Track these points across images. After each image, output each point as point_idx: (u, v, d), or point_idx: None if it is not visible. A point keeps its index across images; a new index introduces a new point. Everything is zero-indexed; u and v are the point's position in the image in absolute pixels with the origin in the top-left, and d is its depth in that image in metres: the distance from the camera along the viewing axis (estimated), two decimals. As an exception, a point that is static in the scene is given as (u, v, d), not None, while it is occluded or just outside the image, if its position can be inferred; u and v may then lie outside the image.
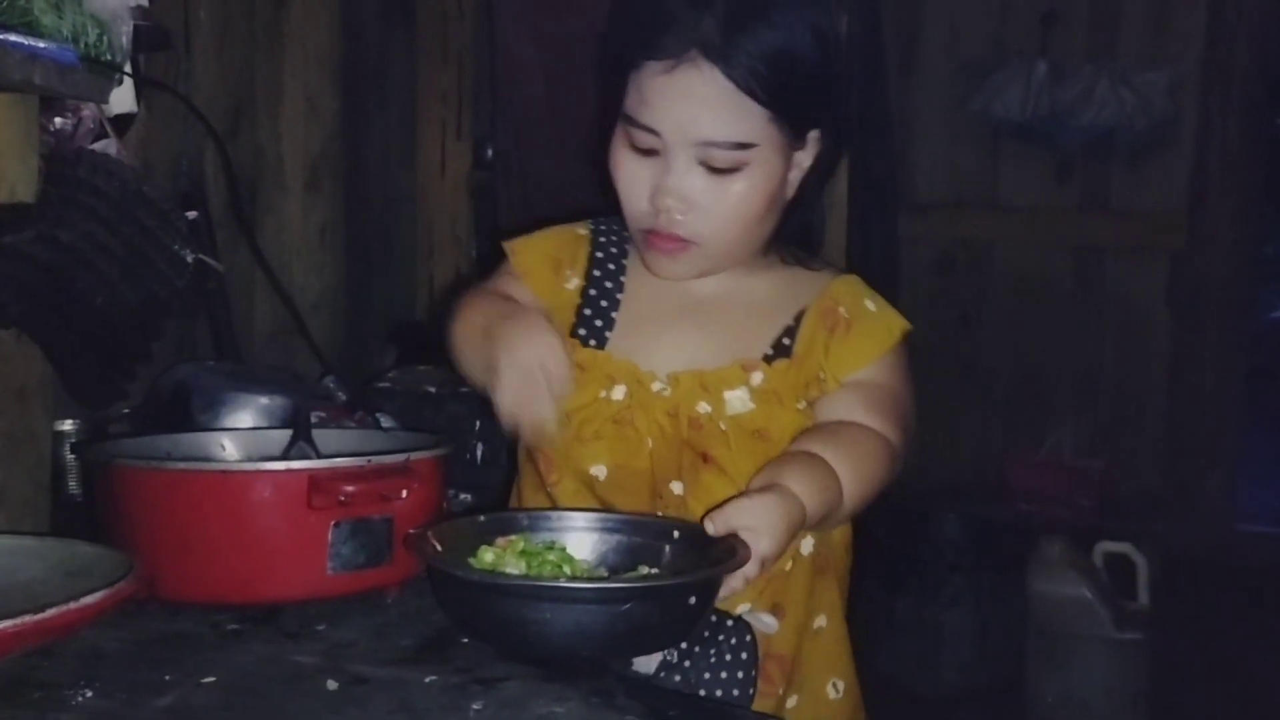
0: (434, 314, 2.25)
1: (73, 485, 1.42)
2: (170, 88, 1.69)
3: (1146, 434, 3.67)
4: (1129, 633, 2.48)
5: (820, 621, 1.19)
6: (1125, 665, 2.48)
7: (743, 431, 1.13)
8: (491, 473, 1.68)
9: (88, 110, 1.44)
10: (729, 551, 0.96)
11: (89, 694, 0.86)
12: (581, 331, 1.19)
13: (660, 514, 1.13)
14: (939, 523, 2.90)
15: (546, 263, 1.22)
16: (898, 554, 2.84)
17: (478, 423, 1.71)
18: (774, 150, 1.10)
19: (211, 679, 0.90)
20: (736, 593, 0.97)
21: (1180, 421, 3.64)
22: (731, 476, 1.11)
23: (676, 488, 1.14)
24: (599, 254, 1.23)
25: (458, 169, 2.56)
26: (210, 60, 1.86)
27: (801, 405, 1.15)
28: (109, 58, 1.37)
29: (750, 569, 0.95)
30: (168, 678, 0.90)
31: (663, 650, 1.03)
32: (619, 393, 1.15)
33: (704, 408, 1.13)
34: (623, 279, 1.22)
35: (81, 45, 1.31)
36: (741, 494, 1.02)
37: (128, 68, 1.45)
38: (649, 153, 1.10)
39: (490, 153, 2.54)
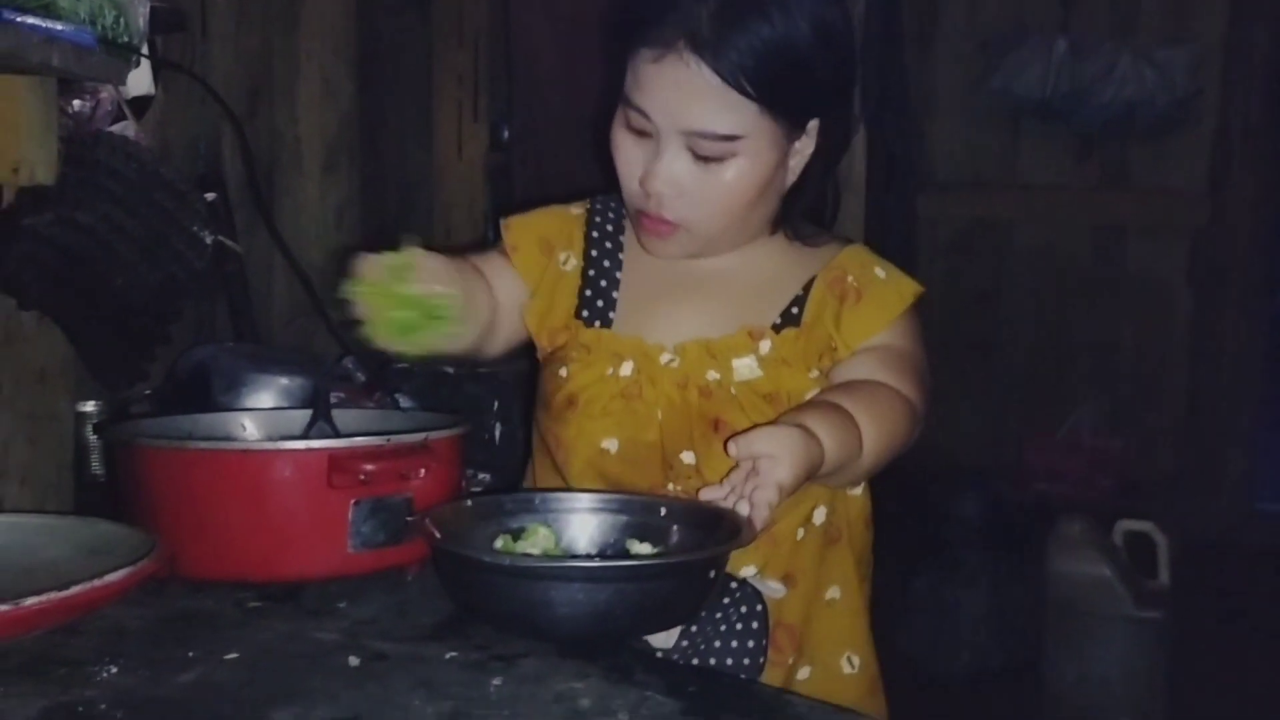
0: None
1: (95, 465, 1.43)
2: (187, 70, 1.70)
3: (1166, 413, 3.65)
4: (1149, 611, 2.47)
5: (833, 593, 1.19)
6: (1145, 644, 2.47)
7: (753, 395, 1.13)
8: (509, 453, 1.69)
9: (105, 92, 1.45)
10: (723, 521, 0.96)
11: (113, 670, 0.87)
12: (585, 313, 1.19)
13: (668, 489, 1.14)
14: (957, 502, 2.89)
15: (535, 242, 1.22)
16: (915, 533, 2.83)
17: (496, 403, 1.71)
18: (766, 141, 1.10)
19: (234, 655, 0.90)
20: (764, 520, 0.97)
21: (1200, 400, 3.61)
22: None
23: (688, 458, 1.14)
24: (595, 234, 1.24)
25: (474, 151, 2.56)
26: (227, 42, 1.87)
27: (814, 374, 1.15)
28: (126, 40, 1.37)
29: (769, 494, 0.96)
30: (190, 654, 0.90)
31: (678, 625, 1.03)
32: (627, 368, 1.16)
33: (713, 375, 1.14)
34: (621, 256, 1.22)
35: (99, 27, 1.32)
36: (765, 424, 1.02)
37: (145, 50, 1.46)
38: (643, 135, 1.11)
39: (506, 134, 2.54)
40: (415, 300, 1.00)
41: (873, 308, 1.16)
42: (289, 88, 2.05)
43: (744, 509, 0.97)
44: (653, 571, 0.93)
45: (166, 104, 1.66)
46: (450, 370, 1.77)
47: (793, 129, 1.12)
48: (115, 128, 1.46)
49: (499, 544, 1.02)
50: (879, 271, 1.19)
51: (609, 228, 1.24)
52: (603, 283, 1.21)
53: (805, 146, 1.14)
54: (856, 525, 1.22)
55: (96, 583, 0.88)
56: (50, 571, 0.95)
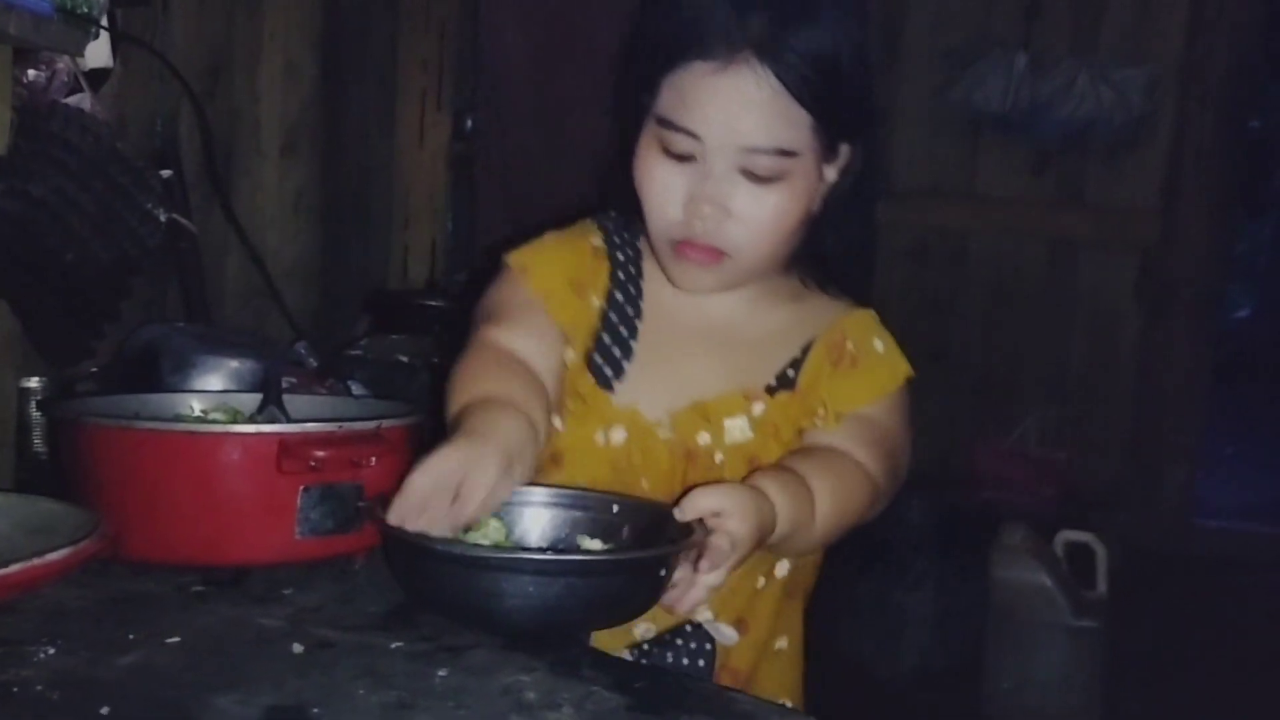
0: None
1: (38, 443, 1.40)
2: (147, 44, 1.67)
3: (1111, 426, 3.71)
4: (1086, 620, 2.52)
5: (781, 643, 1.18)
6: (1082, 652, 2.52)
7: (739, 459, 1.10)
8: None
9: (62, 63, 1.42)
10: (674, 521, 0.96)
11: (51, 651, 0.86)
12: (598, 358, 1.14)
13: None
14: (904, 507, 2.92)
15: (567, 285, 1.15)
16: (863, 537, 2.86)
17: (450, 393, 1.70)
18: (812, 161, 1.07)
19: (176, 639, 0.89)
20: (716, 569, 0.93)
21: (1145, 415, 3.68)
22: None
23: None
24: (619, 273, 1.17)
25: (437, 139, 2.55)
26: (189, 18, 1.84)
27: (797, 440, 1.12)
28: (85, 11, 1.35)
29: (723, 544, 0.93)
30: (131, 637, 0.89)
31: (626, 623, 1.03)
32: (618, 435, 1.12)
33: (704, 438, 1.11)
34: (641, 303, 1.16)
35: (58, -3, 1.29)
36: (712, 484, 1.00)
37: (104, 22, 1.43)
38: (684, 158, 1.06)
39: (470, 124, 2.53)
40: None
41: (863, 380, 1.13)
42: (250, 68, 2.02)
43: (701, 576, 0.93)
44: (604, 567, 0.94)
45: (125, 78, 1.63)
46: (405, 359, 1.76)
47: (830, 150, 1.09)
48: (71, 100, 1.43)
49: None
50: (878, 343, 1.15)
51: (630, 268, 1.17)
52: (622, 330, 1.15)
53: (830, 174, 1.11)
54: (808, 571, 1.20)
55: (36, 562, 0.86)
56: (-11, 549, 0.94)
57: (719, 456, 1.11)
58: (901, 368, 1.15)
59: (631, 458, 1.11)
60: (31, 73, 1.40)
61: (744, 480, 1.02)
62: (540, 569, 0.91)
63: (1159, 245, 3.63)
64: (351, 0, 2.32)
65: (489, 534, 1.01)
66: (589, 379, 1.13)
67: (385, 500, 0.99)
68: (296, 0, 2.11)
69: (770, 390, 1.13)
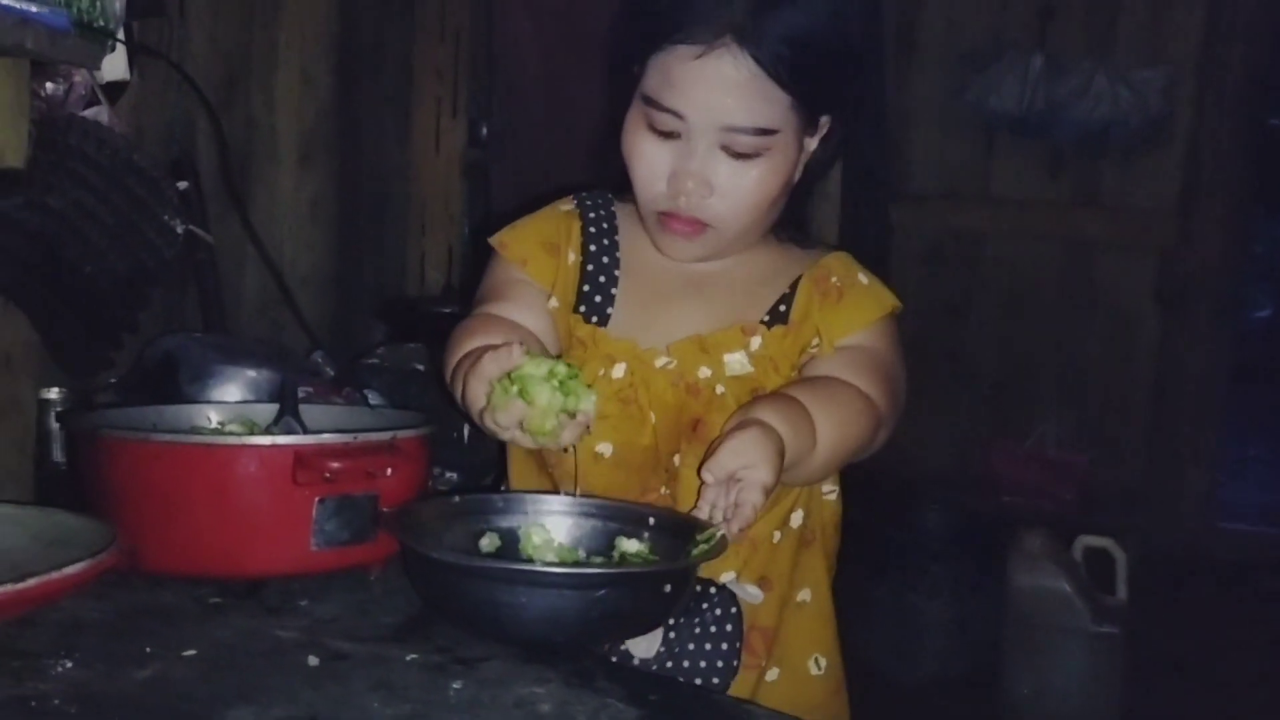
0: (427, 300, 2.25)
1: (57, 454, 1.41)
2: (163, 55, 1.68)
3: (1130, 429, 3.69)
4: (1106, 626, 2.50)
5: (804, 595, 1.20)
6: (1101, 659, 2.50)
7: (741, 390, 1.14)
8: (478, 452, 1.68)
9: (79, 76, 1.43)
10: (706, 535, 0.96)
11: (68, 664, 0.86)
12: (583, 308, 1.20)
13: (660, 492, 1.14)
14: (922, 511, 2.92)
15: (541, 247, 1.22)
16: (881, 541, 2.85)
17: (465, 402, 1.70)
18: (793, 136, 1.12)
19: (192, 652, 0.90)
20: (749, 522, 0.97)
21: (1164, 418, 3.65)
22: None
23: (679, 460, 1.14)
24: (591, 229, 1.23)
25: (452, 146, 2.55)
26: (204, 29, 1.85)
27: (796, 373, 1.16)
28: (102, 24, 1.36)
29: (755, 497, 0.96)
30: (148, 650, 0.90)
31: (635, 636, 1.03)
32: (619, 370, 1.15)
33: (704, 372, 1.15)
34: (617, 255, 1.22)
35: (74, 10, 1.30)
36: (724, 437, 1.01)
37: (121, 34, 1.44)
38: (669, 135, 1.11)
39: (485, 131, 2.53)
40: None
41: (852, 308, 1.18)
42: (266, 78, 2.04)
43: (732, 525, 0.97)
44: (598, 580, 0.92)
45: (141, 90, 1.64)
46: (422, 367, 1.76)
47: (809, 125, 1.13)
48: (88, 112, 1.44)
49: (485, 541, 1.03)
50: (862, 278, 1.21)
51: (604, 225, 1.24)
52: (601, 278, 1.21)
53: (811, 144, 1.16)
54: (829, 529, 1.23)
55: (54, 575, 0.87)
56: (7, 562, 0.94)
57: (720, 389, 1.14)
58: (887, 298, 1.20)
59: (637, 394, 1.15)
60: (49, 86, 1.41)
61: (745, 409, 1.05)
62: (534, 580, 0.91)
63: (1177, 246, 3.60)
64: (366, 10, 2.33)
65: (532, 539, 1.02)
66: (581, 322, 1.19)
67: (402, 513, 1.00)
68: (311, 10, 2.12)
69: (766, 324, 1.17)
